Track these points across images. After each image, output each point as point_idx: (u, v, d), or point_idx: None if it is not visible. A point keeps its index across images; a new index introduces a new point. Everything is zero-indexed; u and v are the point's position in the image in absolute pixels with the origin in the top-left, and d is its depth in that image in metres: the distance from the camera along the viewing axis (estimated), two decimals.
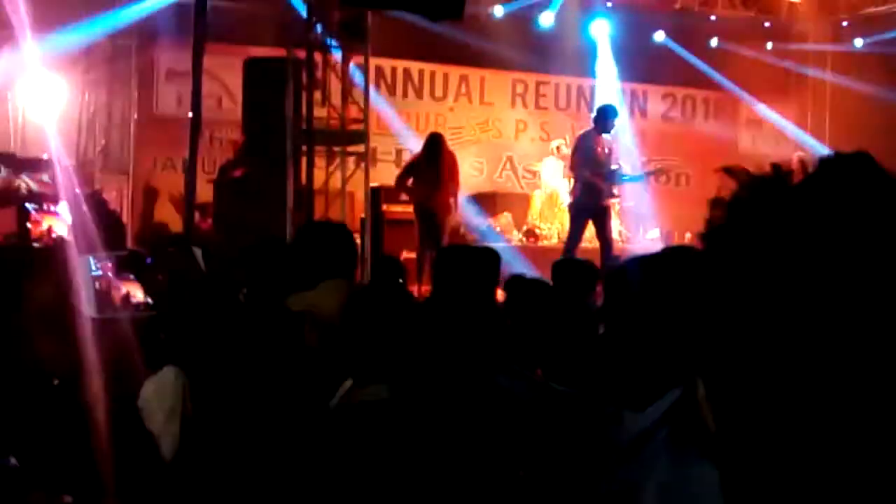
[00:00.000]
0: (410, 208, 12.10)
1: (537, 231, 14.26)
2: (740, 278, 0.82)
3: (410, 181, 11.76)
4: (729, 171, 0.88)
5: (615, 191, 11.83)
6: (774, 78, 17.43)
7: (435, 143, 11.84)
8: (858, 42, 16.74)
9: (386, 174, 13.88)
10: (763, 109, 17.68)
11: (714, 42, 17.00)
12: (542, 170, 15.27)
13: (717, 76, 16.86)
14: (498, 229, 14.22)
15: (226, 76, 13.48)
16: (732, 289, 0.82)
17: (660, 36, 16.74)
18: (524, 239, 14.05)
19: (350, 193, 12.24)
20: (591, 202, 11.24)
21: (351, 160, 11.60)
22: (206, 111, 9.76)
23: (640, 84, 17.40)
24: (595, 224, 11.37)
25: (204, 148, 11.54)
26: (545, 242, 13.85)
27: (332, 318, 3.44)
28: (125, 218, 12.94)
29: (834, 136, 17.02)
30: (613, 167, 11.53)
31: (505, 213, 14.64)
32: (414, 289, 10.85)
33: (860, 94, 15.84)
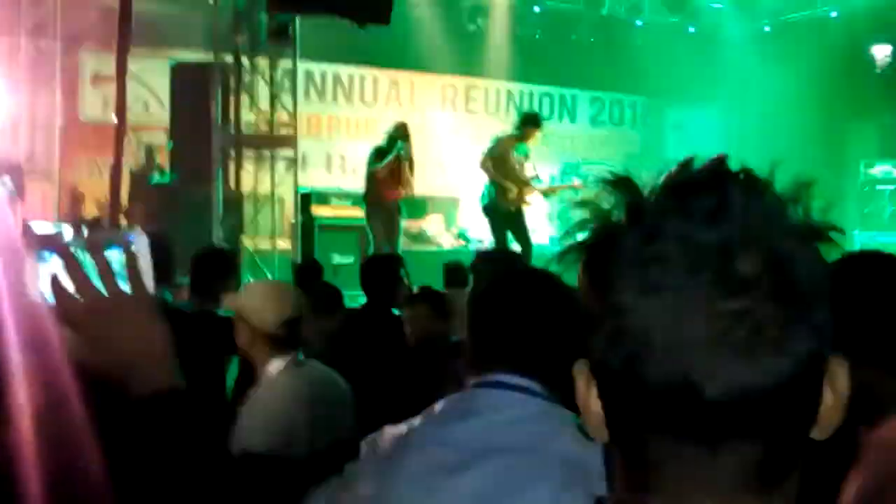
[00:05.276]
0: (342, 212, 11.95)
1: (468, 234, 14.28)
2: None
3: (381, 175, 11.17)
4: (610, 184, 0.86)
5: (527, 196, 11.68)
6: (700, 80, 17.69)
7: (406, 135, 11.45)
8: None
9: (316, 178, 13.79)
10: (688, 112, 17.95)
11: (641, 46, 17.18)
12: (470, 173, 15.27)
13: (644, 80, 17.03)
14: (429, 232, 14.21)
15: (153, 80, 13.32)
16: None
17: (589, 41, 16.88)
18: (454, 242, 14.06)
19: (280, 198, 12.14)
20: (502, 206, 11.17)
21: (281, 164, 11.48)
22: (132, 116, 9.64)
23: (568, 89, 17.53)
24: (510, 228, 11.27)
25: (130, 152, 11.40)
26: (477, 245, 13.86)
27: (261, 318, 3.43)
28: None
29: (759, 135, 17.31)
30: (528, 174, 11.45)
31: (435, 216, 14.64)
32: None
33: (782, 93, 16.08)
